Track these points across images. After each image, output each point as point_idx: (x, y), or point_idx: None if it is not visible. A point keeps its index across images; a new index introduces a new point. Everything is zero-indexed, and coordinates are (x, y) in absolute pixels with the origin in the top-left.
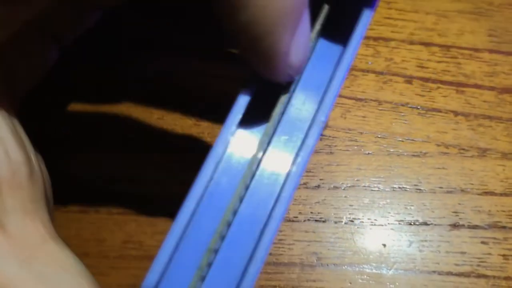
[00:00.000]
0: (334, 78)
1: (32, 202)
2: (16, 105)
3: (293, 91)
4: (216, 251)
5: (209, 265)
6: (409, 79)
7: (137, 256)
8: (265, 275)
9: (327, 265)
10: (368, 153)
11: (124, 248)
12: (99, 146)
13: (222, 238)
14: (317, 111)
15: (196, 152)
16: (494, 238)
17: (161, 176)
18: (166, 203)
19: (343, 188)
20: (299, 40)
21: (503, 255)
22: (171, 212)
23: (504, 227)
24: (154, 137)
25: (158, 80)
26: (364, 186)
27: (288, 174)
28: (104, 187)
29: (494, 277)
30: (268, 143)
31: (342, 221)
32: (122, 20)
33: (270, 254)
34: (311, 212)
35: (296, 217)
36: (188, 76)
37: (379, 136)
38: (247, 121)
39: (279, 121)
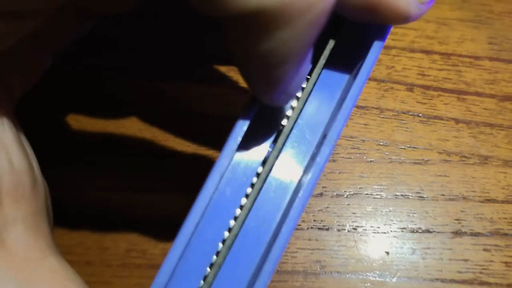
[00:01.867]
0: (344, 103)
1: (34, 215)
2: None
3: (302, 107)
4: (221, 264)
5: (214, 277)
6: (410, 87)
7: (140, 264)
8: (268, 284)
9: (331, 273)
10: (371, 161)
11: (127, 256)
12: (101, 155)
13: (228, 249)
14: (327, 127)
15: (200, 163)
16: (496, 245)
17: (165, 186)
18: (170, 212)
19: (346, 195)
20: (301, 72)
21: (505, 262)
22: (175, 221)
23: (506, 234)
24: (157, 148)
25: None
26: (367, 194)
27: (297, 190)
28: (107, 195)
29: (496, 284)
30: (276, 156)
31: (345, 229)
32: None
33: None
34: (314, 220)
35: (299, 225)
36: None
37: (381, 143)
38: (255, 132)
39: (288, 135)
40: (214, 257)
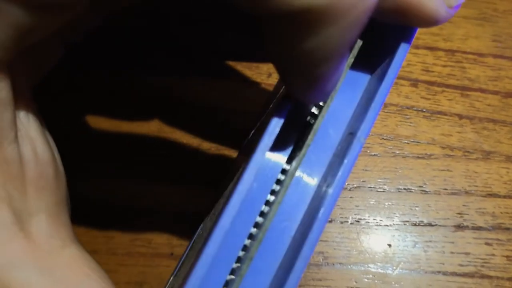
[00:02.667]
0: (372, 104)
1: (56, 205)
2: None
3: (328, 105)
4: (251, 259)
5: (247, 269)
6: (414, 83)
7: (145, 253)
8: None
9: (333, 264)
10: (374, 155)
11: (133, 245)
12: (109, 148)
13: (256, 245)
14: (350, 125)
15: (205, 156)
16: (498, 240)
17: (171, 178)
18: (174, 203)
19: (349, 188)
20: (339, 71)
21: (507, 256)
22: (179, 212)
23: (507, 228)
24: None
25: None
26: (370, 187)
27: (321, 185)
28: (114, 186)
29: (497, 277)
30: (303, 153)
31: (348, 221)
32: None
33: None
34: None
35: None
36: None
37: (385, 138)
38: (282, 130)
39: (314, 132)
40: (241, 252)
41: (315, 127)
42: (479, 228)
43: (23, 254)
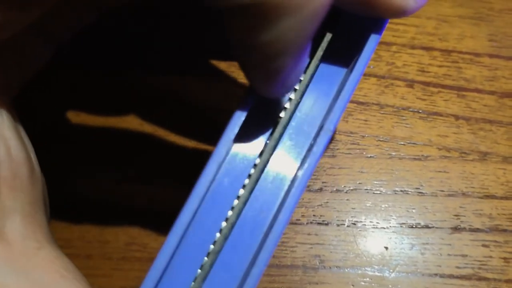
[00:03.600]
0: (342, 95)
1: (31, 205)
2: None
3: (300, 99)
4: (218, 252)
5: (211, 265)
6: (410, 83)
7: (140, 258)
8: (267, 277)
9: (330, 267)
10: (370, 156)
11: (128, 250)
12: (102, 149)
13: (225, 239)
14: (325, 119)
15: (199, 156)
16: (495, 241)
17: (165, 180)
18: (170, 205)
19: (345, 191)
20: (300, 64)
21: (504, 258)
22: (175, 214)
23: (505, 230)
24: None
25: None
26: (366, 189)
27: (294, 180)
28: (107, 189)
29: (495, 279)
30: (274, 148)
31: (344, 224)
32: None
33: (273, 256)
34: (314, 215)
35: (299, 219)
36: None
37: (381, 139)
38: (253, 124)
39: (285, 127)
40: (212, 246)
41: (284, 121)
42: (476, 230)
43: None
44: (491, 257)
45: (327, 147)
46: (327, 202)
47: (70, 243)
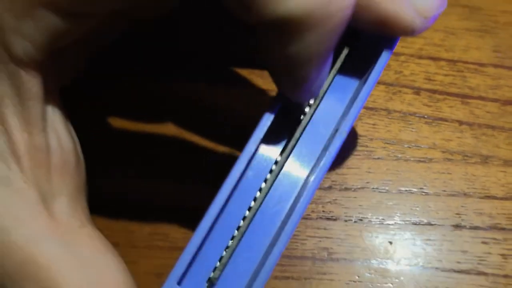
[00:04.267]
0: (357, 103)
1: (76, 189)
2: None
3: (318, 105)
4: (241, 236)
5: (235, 247)
6: (417, 91)
7: (163, 246)
8: (279, 267)
9: (337, 259)
10: (378, 158)
11: (152, 239)
12: (129, 150)
13: (248, 225)
14: (339, 124)
15: (218, 157)
16: (494, 239)
17: (187, 177)
18: (189, 200)
19: (353, 189)
20: (323, 73)
21: (502, 255)
22: (194, 208)
23: (504, 228)
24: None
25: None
26: (373, 188)
27: (309, 176)
28: (133, 184)
29: (493, 274)
30: (294, 146)
31: (351, 220)
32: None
33: (285, 248)
34: (323, 211)
35: (309, 215)
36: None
37: (388, 142)
38: (277, 126)
39: (304, 128)
40: (236, 231)
41: (304, 123)
42: (476, 228)
43: (47, 229)
44: (490, 253)
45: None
46: (335, 199)
47: (100, 232)
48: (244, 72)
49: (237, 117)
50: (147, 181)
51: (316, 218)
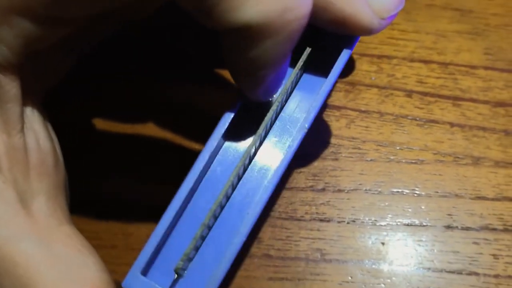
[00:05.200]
0: (316, 99)
1: (54, 188)
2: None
3: (285, 102)
4: (209, 228)
5: (203, 238)
6: (409, 93)
7: None
8: (273, 268)
9: (330, 260)
10: (370, 160)
11: None
12: (126, 155)
13: (215, 217)
14: (302, 120)
15: None
16: (485, 239)
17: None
18: None
19: (346, 191)
20: (280, 74)
21: (493, 255)
22: None
23: (495, 229)
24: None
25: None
26: (366, 190)
27: (275, 170)
28: (131, 188)
29: (484, 275)
30: (261, 143)
31: (344, 221)
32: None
33: (278, 249)
34: (317, 212)
35: (303, 216)
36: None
37: (380, 144)
38: (244, 123)
39: (271, 125)
40: (204, 221)
41: (267, 120)
42: (468, 229)
43: (25, 228)
44: (481, 253)
45: (330, 151)
46: (329, 201)
47: (97, 235)
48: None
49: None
50: (144, 183)
51: (310, 220)
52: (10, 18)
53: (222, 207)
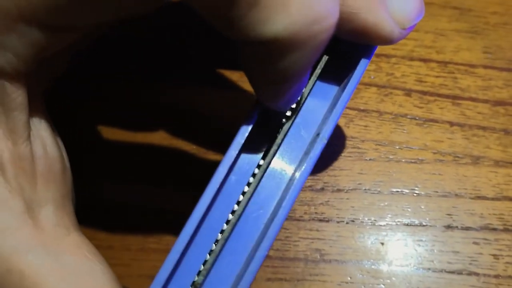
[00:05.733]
0: (335, 111)
1: (62, 196)
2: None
3: (300, 109)
4: (226, 240)
5: (220, 251)
6: (408, 92)
7: (156, 249)
8: (272, 269)
9: (329, 261)
10: (369, 159)
11: (145, 242)
12: (125, 160)
13: (232, 229)
14: (320, 128)
15: (207, 161)
16: (485, 239)
17: (179, 182)
18: (182, 204)
19: (345, 190)
20: (302, 84)
21: (494, 255)
22: (187, 212)
23: (495, 229)
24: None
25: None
26: (365, 189)
27: (292, 179)
28: (128, 190)
29: (484, 275)
30: (276, 151)
31: (344, 221)
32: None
33: (277, 250)
34: (316, 212)
35: (302, 216)
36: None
37: (379, 144)
38: (259, 130)
39: (286, 133)
40: (219, 234)
41: (285, 128)
42: (468, 228)
43: (32, 239)
44: (481, 253)
45: (329, 150)
46: (328, 201)
47: (95, 236)
48: (235, 76)
49: (233, 123)
50: (142, 184)
51: (309, 220)
52: (18, 26)
53: (238, 217)
